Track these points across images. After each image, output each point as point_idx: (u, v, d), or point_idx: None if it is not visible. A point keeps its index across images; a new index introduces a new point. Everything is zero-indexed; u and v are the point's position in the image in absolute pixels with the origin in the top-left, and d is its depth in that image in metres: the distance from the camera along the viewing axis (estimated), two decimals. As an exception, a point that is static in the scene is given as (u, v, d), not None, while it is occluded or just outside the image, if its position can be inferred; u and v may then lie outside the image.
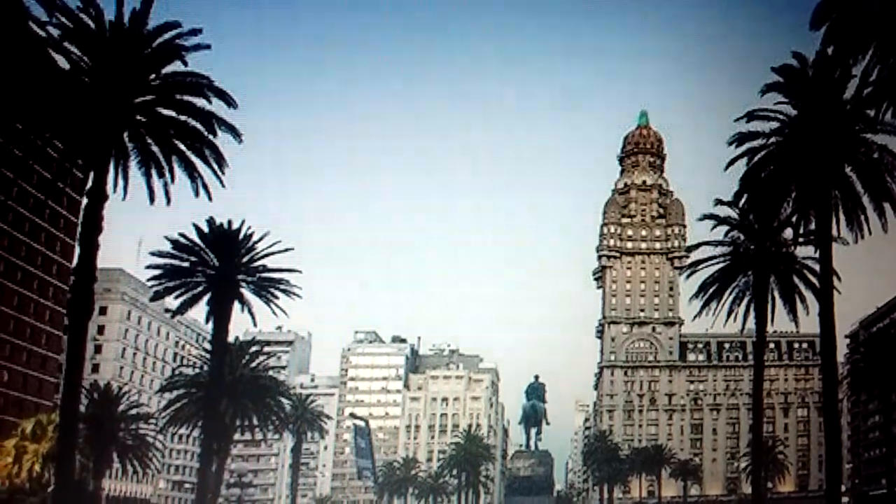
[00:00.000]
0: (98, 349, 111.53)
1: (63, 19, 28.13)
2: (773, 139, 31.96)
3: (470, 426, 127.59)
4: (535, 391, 44.38)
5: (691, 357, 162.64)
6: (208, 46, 29.37)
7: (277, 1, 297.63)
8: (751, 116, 31.83)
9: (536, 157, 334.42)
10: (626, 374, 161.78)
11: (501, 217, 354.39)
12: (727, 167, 32.68)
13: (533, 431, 43.57)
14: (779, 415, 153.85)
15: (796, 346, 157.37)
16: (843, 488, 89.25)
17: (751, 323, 38.73)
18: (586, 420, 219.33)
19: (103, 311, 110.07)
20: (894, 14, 22.29)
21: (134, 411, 67.65)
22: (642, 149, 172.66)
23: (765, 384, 46.07)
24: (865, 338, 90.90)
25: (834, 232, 31.21)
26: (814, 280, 35.46)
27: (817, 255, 32.39)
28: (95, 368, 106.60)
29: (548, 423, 44.56)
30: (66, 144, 29.49)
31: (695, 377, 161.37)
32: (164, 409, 55.68)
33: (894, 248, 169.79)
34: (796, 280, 37.39)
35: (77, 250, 29.37)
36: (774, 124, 31.88)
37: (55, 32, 28.01)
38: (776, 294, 37.54)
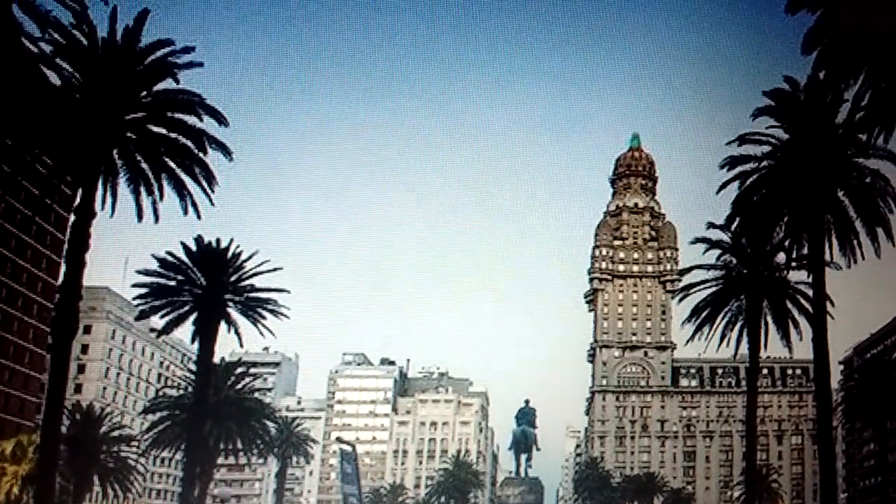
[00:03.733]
0: (81, 369, 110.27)
1: (56, 35, 27.98)
2: (765, 163, 31.92)
3: (459, 452, 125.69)
4: (526, 416, 43.97)
5: (684, 382, 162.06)
6: (201, 64, 29.54)
7: (269, 20, 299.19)
8: (742, 140, 31.82)
9: (527, 178, 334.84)
10: (617, 399, 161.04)
11: (492, 239, 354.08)
12: (719, 190, 32.62)
13: (523, 458, 43.12)
14: (773, 442, 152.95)
15: (790, 372, 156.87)
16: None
17: (744, 348, 38.49)
18: (577, 446, 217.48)
19: (87, 329, 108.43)
20: (885, 40, 22.28)
21: (116, 433, 66.44)
22: (634, 171, 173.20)
23: (758, 411, 45.72)
24: (860, 364, 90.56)
25: (827, 257, 31.05)
26: (807, 305, 35.28)
27: (810, 279, 32.23)
28: (78, 388, 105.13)
29: (538, 449, 44.13)
30: (56, 160, 29.27)
31: (687, 403, 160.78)
32: (147, 431, 55.02)
33: (888, 273, 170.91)
34: (789, 305, 37.20)
35: (63, 267, 29.04)
36: (766, 148, 31.87)
37: (47, 48, 27.92)
38: (769, 319, 37.36)
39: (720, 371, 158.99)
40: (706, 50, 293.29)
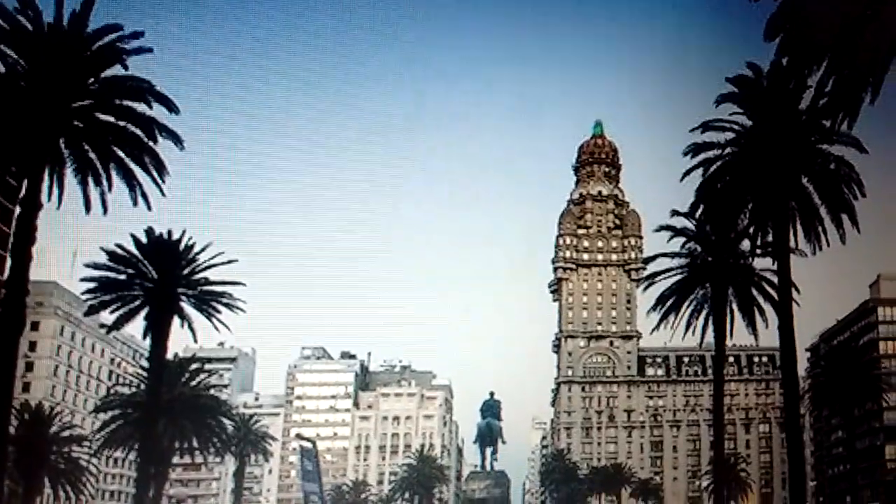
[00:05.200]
0: (29, 367, 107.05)
1: (-1, 20, 27.03)
2: (728, 150, 31.73)
3: (422, 446, 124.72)
4: (491, 409, 43.47)
5: (650, 372, 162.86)
6: (150, 50, 28.56)
7: (221, 4, 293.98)
8: (706, 127, 31.52)
9: (490, 166, 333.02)
10: (583, 389, 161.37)
11: (454, 228, 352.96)
12: (683, 178, 32.28)
13: (488, 451, 42.61)
14: (740, 431, 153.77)
15: (756, 360, 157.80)
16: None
17: (709, 336, 38.36)
18: (543, 438, 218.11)
19: (35, 326, 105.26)
20: (847, 26, 22.05)
21: (67, 433, 64.91)
22: (597, 159, 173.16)
23: (725, 399, 45.75)
24: (826, 351, 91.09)
25: (792, 243, 30.95)
26: (772, 292, 35.17)
27: (775, 266, 32.12)
28: (26, 387, 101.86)
29: (504, 442, 43.63)
30: (-1, 150, 28.20)
31: (654, 392, 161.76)
32: (99, 431, 54.01)
33: (853, 260, 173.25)
34: (755, 292, 37.12)
35: (8, 262, 27.91)
36: (730, 135, 31.63)
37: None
38: (735, 307, 37.27)
39: (686, 360, 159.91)
40: (670, 36, 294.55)
